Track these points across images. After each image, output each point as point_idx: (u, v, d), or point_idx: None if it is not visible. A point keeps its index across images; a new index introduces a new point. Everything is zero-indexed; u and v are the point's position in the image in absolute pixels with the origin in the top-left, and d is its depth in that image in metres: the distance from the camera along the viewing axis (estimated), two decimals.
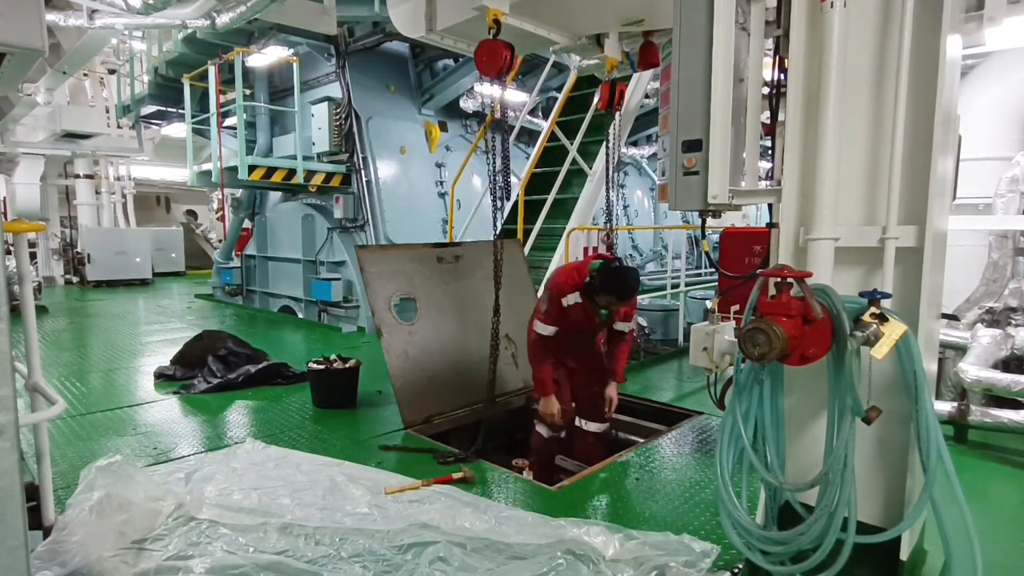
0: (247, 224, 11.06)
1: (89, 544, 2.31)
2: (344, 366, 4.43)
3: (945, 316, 2.15)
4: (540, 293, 3.45)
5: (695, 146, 1.99)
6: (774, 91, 2.07)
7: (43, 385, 2.24)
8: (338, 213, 8.14)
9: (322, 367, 4.41)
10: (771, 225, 2.09)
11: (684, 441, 3.69)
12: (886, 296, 1.75)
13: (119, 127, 13.75)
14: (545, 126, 7.56)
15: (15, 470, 1.29)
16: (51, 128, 12.93)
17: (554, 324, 3.41)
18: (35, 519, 2.33)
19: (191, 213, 20.52)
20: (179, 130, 12.53)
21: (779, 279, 1.76)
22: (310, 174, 8.10)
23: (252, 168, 7.82)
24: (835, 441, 1.76)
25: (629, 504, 2.87)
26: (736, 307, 2.81)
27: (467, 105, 9.14)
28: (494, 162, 3.52)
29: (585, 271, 3.37)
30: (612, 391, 3.57)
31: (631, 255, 13.01)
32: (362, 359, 4.60)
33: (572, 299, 3.37)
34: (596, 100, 5.57)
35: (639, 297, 7.16)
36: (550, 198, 6.66)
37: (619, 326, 3.56)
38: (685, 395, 4.80)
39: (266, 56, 8.12)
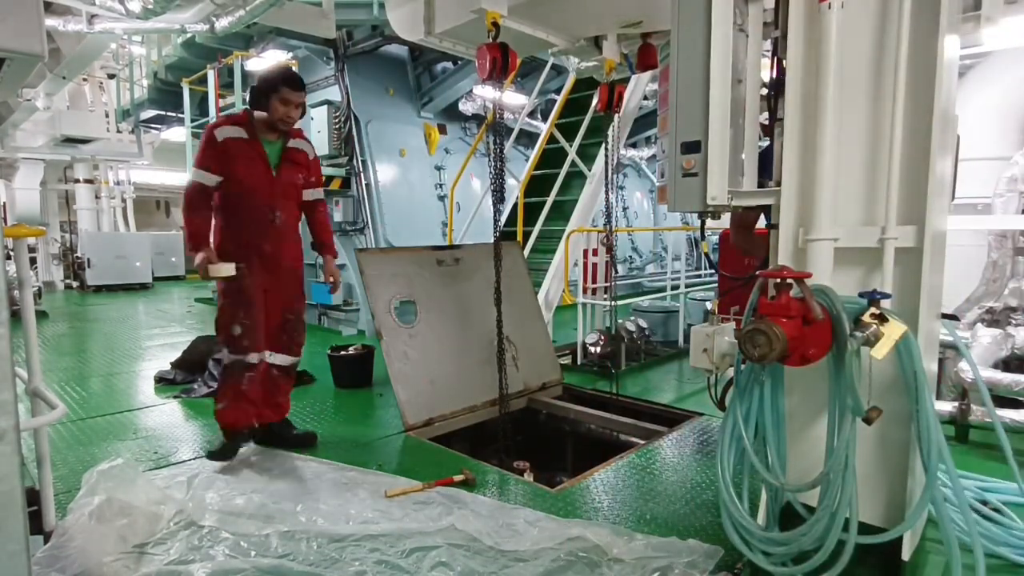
0: None
1: (90, 549, 2.31)
2: (361, 352, 5.13)
3: (945, 316, 2.15)
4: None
5: (694, 147, 2.00)
6: (772, 92, 2.08)
7: (43, 390, 2.24)
8: (338, 216, 8.14)
9: (340, 354, 5.11)
10: (770, 226, 2.09)
11: (685, 443, 3.69)
12: (886, 296, 1.75)
13: (119, 131, 13.79)
14: (544, 128, 7.57)
15: (16, 474, 1.29)
16: (51, 133, 12.96)
17: (217, 173, 3.07)
18: (36, 524, 2.33)
19: None
20: (179, 134, 12.55)
21: (779, 280, 1.76)
22: None
23: None
24: (836, 441, 1.76)
25: (630, 506, 2.87)
26: (736, 308, 2.81)
27: (466, 108, 9.15)
28: (493, 165, 3.52)
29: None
30: (331, 266, 3.48)
31: (631, 256, 13.03)
32: None
33: (228, 132, 3.08)
34: (595, 102, 5.58)
35: (640, 299, 7.18)
36: (549, 200, 6.66)
37: (308, 194, 3.38)
38: (686, 396, 4.80)
39: (265, 60, 8.12)
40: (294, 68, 7.80)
